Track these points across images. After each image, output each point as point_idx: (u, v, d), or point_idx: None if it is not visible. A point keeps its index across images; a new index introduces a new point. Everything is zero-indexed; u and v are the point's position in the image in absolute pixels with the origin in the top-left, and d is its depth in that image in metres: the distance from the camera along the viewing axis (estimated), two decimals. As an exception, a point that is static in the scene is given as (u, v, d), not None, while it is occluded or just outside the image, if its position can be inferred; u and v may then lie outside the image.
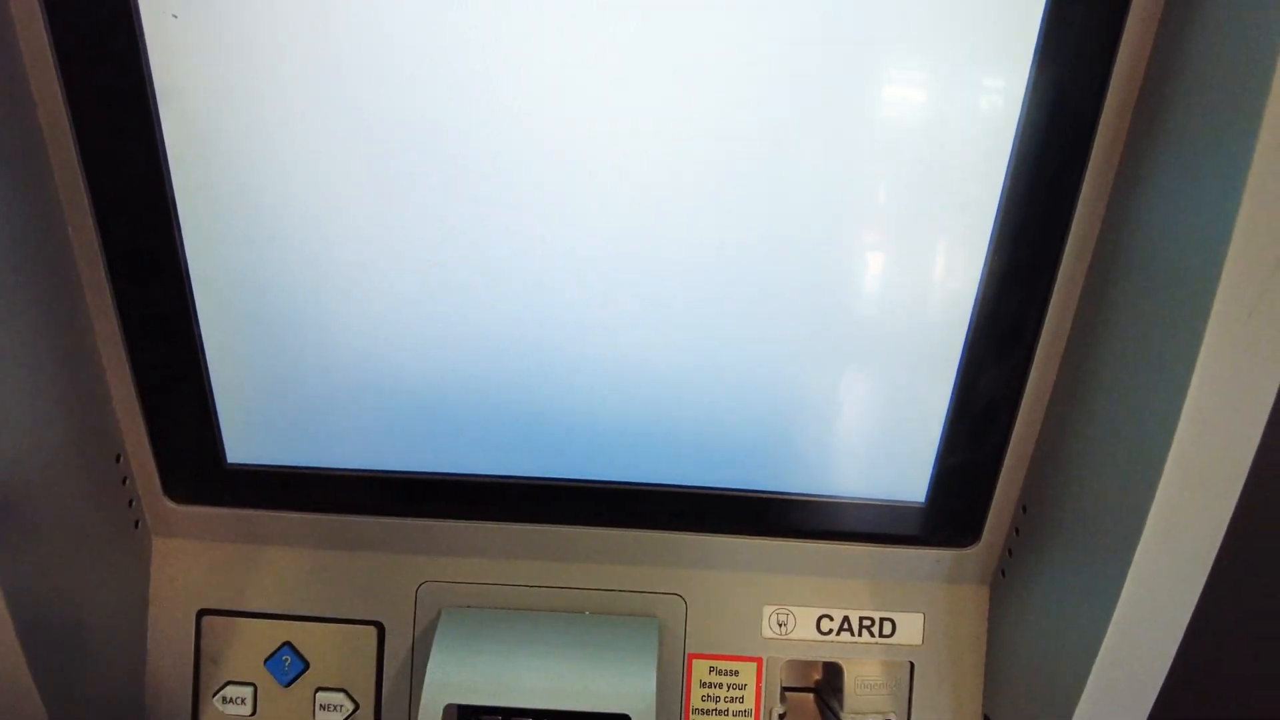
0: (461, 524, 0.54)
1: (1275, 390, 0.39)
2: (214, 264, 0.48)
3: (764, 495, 0.54)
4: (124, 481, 0.53)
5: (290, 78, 0.44)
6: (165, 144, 0.45)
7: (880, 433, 0.52)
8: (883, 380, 0.51)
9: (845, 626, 0.55)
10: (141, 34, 0.43)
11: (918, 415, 0.52)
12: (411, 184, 0.46)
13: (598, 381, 0.51)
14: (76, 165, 0.45)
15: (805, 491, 0.54)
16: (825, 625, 0.55)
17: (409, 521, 0.54)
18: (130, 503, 0.53)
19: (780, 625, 0.55)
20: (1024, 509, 0.52)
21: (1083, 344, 0.47)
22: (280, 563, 0.55)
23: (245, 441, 0.53)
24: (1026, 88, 0.43)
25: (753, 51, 0.43)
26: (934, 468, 0.53)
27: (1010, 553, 0.53)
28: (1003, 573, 0.54)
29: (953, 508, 0.54)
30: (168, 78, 0.44)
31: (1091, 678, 0.44)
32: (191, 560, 0.56)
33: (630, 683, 0.51)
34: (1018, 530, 0.53)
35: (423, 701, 0.50)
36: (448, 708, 0.50)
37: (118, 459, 0.52)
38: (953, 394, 0.50)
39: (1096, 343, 0.46)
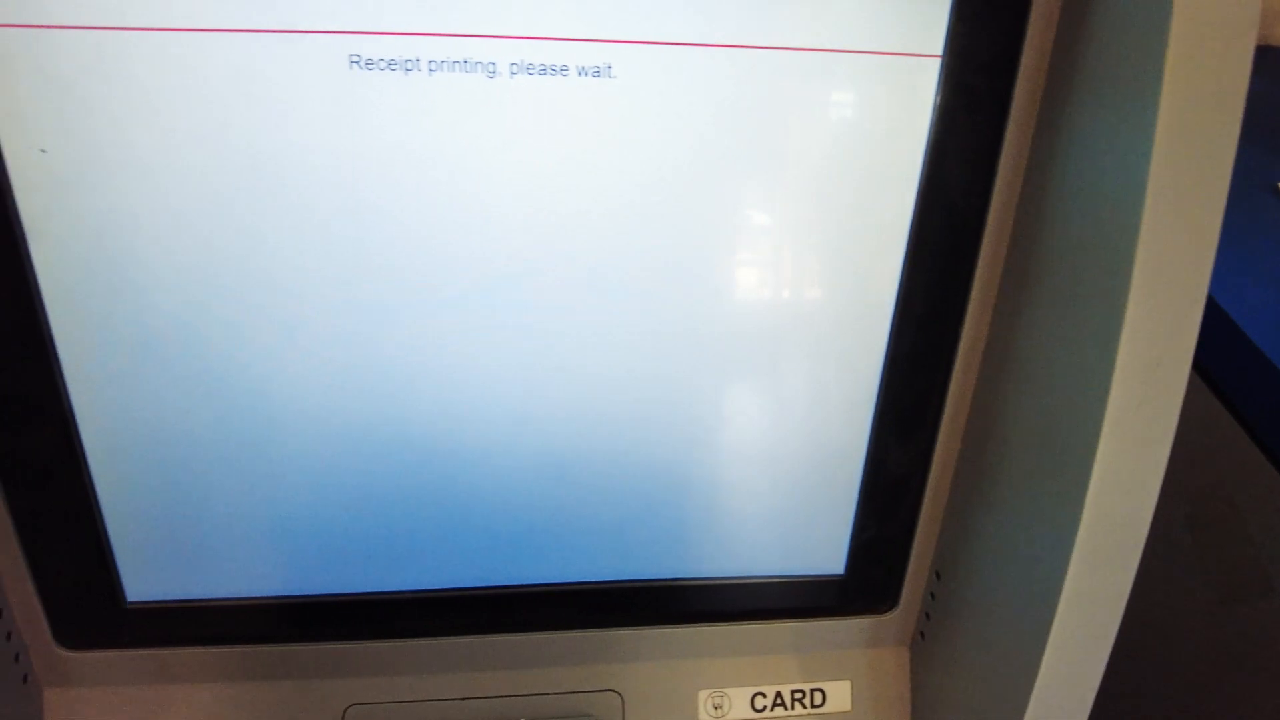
0: (384, 644, 0.52)
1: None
2: (101, 403, 0.45)
3: (691, 582, 0.54)
4: (8, 636, 0.49)
5: (169, 208, 0.41)
6: (39, 285, 0.42)
7: (799, 511, 0.53)
8: (798, 461, 0.52)
9: (779, 702, 0.56)
10: (5, 171, 0.40)
11: (833, 491, 0.53)
12: (301, 306, 0.44)
13: (510, 484, 0.50)
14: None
15: (732, 575, 0.54)
16: (759, 703, 0.56)
17: (329, 646, 0.52)
18: (16, 657, 0.49)
19: (716, 708, 0.56)
20: (938, 575, 0.54)
21: (983, 417, 0.50)
22: (194, 701, 0.52)
23: (146, 578, 0.50)
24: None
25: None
26: (850, 539, 0.54)
27: (928, 616, 0.56)
28: (921, 635, 0.56)
29: (872, 576, 0.55)
30: (37, 215, 0.41)
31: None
32: (91, 707, 0.52)
33: (573, 787, 0.50)
34: (933, 595, 0.55)
35: None
36: None
37: None
38: (864, 468, 0.52)
39: (998, 417, 0.48)
